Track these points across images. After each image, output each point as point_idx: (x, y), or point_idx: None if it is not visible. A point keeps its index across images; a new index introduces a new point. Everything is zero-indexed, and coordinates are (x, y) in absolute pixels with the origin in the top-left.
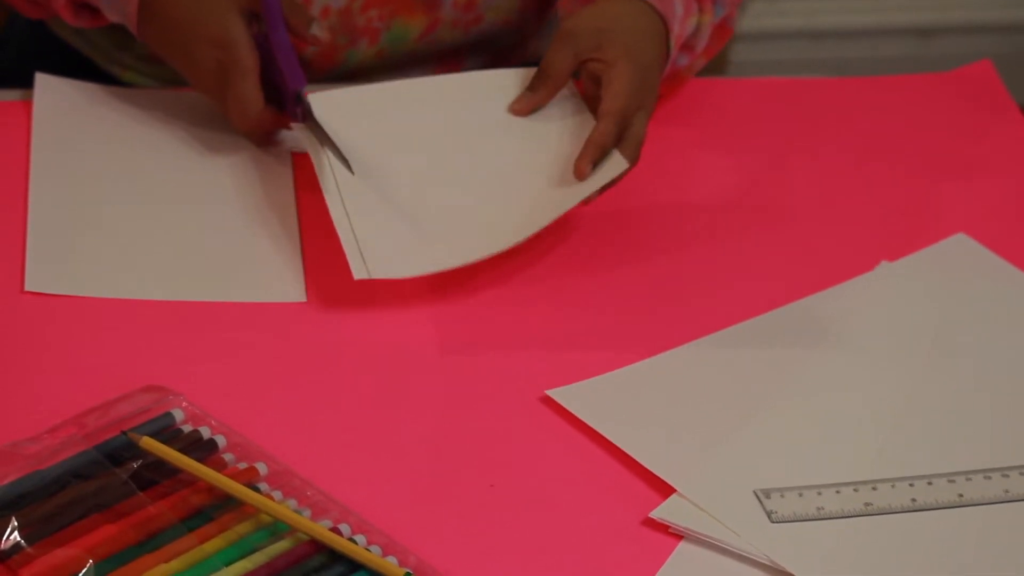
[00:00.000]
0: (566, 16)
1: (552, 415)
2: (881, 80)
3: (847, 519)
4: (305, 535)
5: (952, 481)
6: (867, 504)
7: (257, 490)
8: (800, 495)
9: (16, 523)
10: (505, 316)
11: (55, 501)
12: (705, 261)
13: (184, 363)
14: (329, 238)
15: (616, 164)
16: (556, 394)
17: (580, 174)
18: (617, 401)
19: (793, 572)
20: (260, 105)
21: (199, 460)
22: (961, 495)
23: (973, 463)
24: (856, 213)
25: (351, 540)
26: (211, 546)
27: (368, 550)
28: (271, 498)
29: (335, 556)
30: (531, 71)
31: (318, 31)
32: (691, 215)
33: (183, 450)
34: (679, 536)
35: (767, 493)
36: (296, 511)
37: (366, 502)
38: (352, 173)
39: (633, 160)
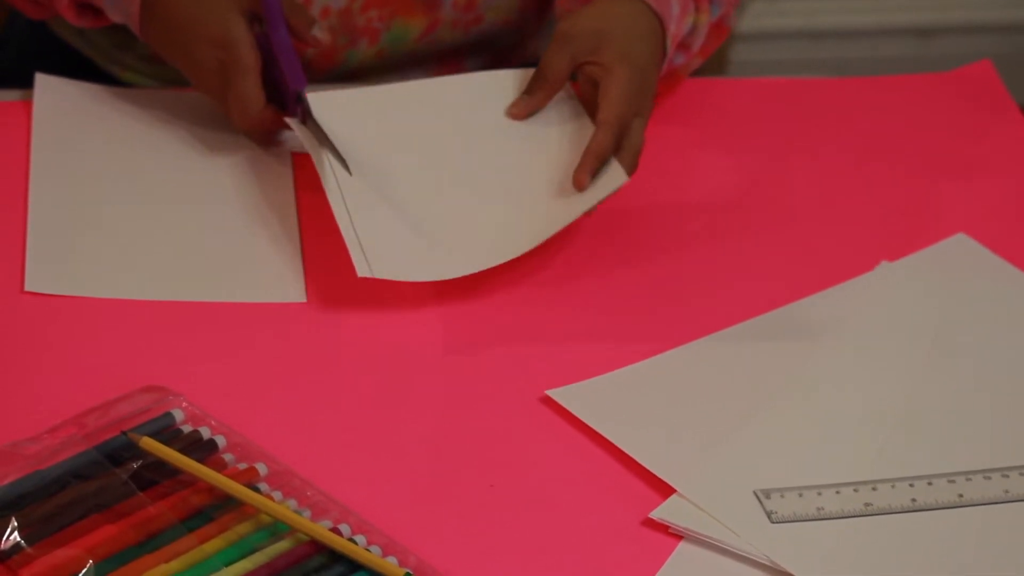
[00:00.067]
0: (563, 15)
1: (552, 415)
2: (881, 80)
3: (847, 519)
4: (305, 535)
5: (952, 481)
6: (867, 504)
7: (257, 490)
8: (800, 495)
9: (16, 523)
10: (505, 316)
11: (55, 501)
12: (705, 261)
13: (184, 363)
14: (329, 238)
15: (616, 177)
16: (556, 394)
17: (579, 185)
18: (617, 401)
19: (793, 572)
20: (261, 104)
21: (199, 460)
22: (961, 495)
23: (973, 463)
24: (856, 213)
25: (351, 540)
26: (211, 546)
27: (368, 550)
28: (271, 498)
29: (335, 556)
30: (529, 72)
31: (319, 33)
32: (691, 215)
33: (183, 450)
34: (679, 536)
35: (767, 493)
36: (296, 511)
37: (366, 502)
38: (350, 174)
39: (632, 169)
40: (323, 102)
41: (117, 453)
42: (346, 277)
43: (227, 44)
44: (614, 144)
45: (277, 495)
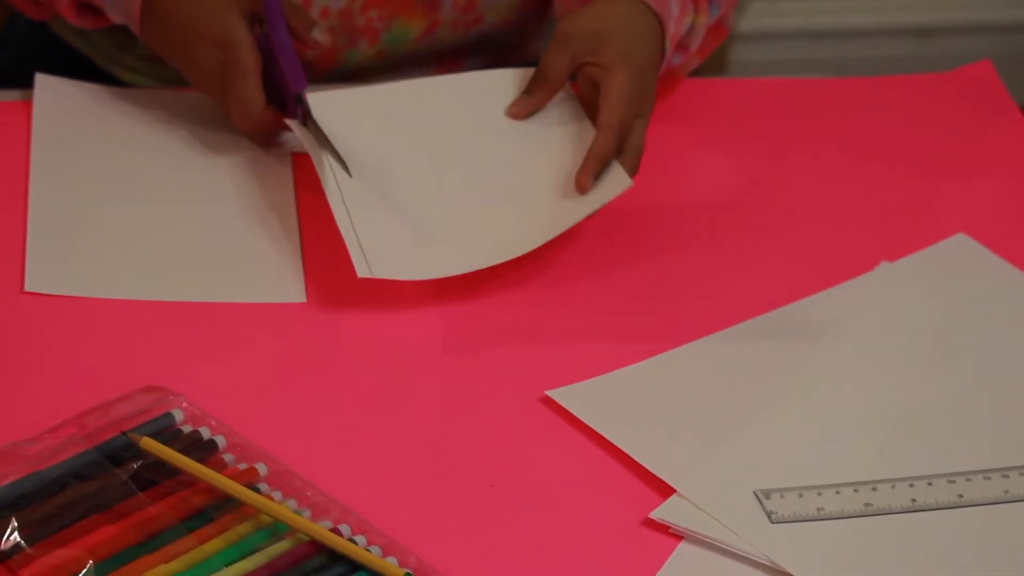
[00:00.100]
0: (562, 15)
1: (552, 415)
2: (881, 80)
3: (847, 519)
4: (305, 536)
5: (952, 481)
6: (867, 504)
7: (257, 491)
8: (800, 495)
9: (16, 523)
10: (505, 316)
11: (55, 502)
12: (705, 261)
13: (184, 363)
14: (329, 239)
15: (620, 181)
16: (556, 394)
17: (582, 188)
18: (617, 401)
19: (793, 572)
20: (261, 105)
21: (199, 460)
22: (961, 495)
23: (973, 463)
24: (856, 213)
25: (351, 540)
26: (211, 547)
27: (368, 550)
28: (271, 499)
29: (335, 557)
30: (529, 71)
31: (320, 36)
32: (691, 215)
33: (183, 451)
34: (679, 536)
35: (767, 493)
36: (296, 512)
37: (366, 502)
38: (350, 176)
39: (633, 171)
40: (323, 102)
41: (117, 453)
42: (346, 277)
43: (227, 45)
44: (616, 147)
45: (277, 495)
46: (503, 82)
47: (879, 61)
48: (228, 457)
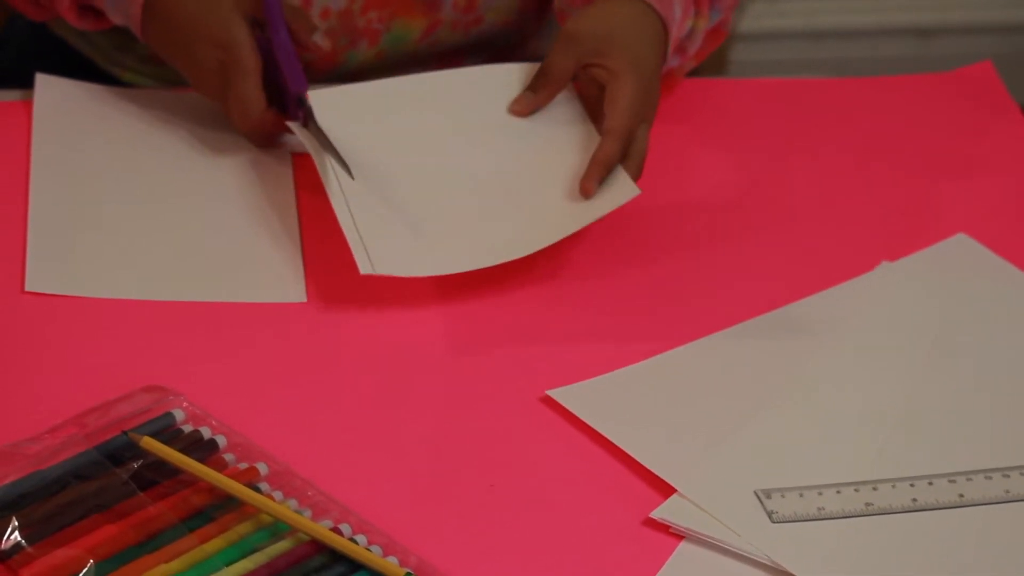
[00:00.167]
0: (562, 14)
1: (552, 415)
2: (881, 80)
3: (848, 519)
4: (306, 535)
5: (953, 481)
6: (868, 504)
7: (258, 490)
8: (801, 495)
9: (17, 523)
10: (505, 316)
11: (55, 501)
12: (705, 261)
13: (184, 363)
14: (329, 239)
15: (627, 189)
16: (557, 394)
17: (586, 193)
18: (618, 401)
19: (794, 572)
20: (262, 106)
21: (200, 460)
22: (962, 495)
23: (974, 463)
24: (856, 213)
25: (352, 540)
26: (212, 546)
27: (369, 550)
28: (272, 498)
29: (336, 556)
30: (531, 66)
31: (320, 40)
32: (691, 215)
33: (184, 450)
34: (680, 536)
35: (768, 493)
36: (297, 511)
37: (367, 502)
38: (352, 178)
39: (637, 175)
40: (325, 99)
41: (118, 453)
42: (346, 277)
43: (228, 46)
44: (621, 153)
45: (278, 495)
46: (506, 77)
47: (879, 61)
48: (229, 457)
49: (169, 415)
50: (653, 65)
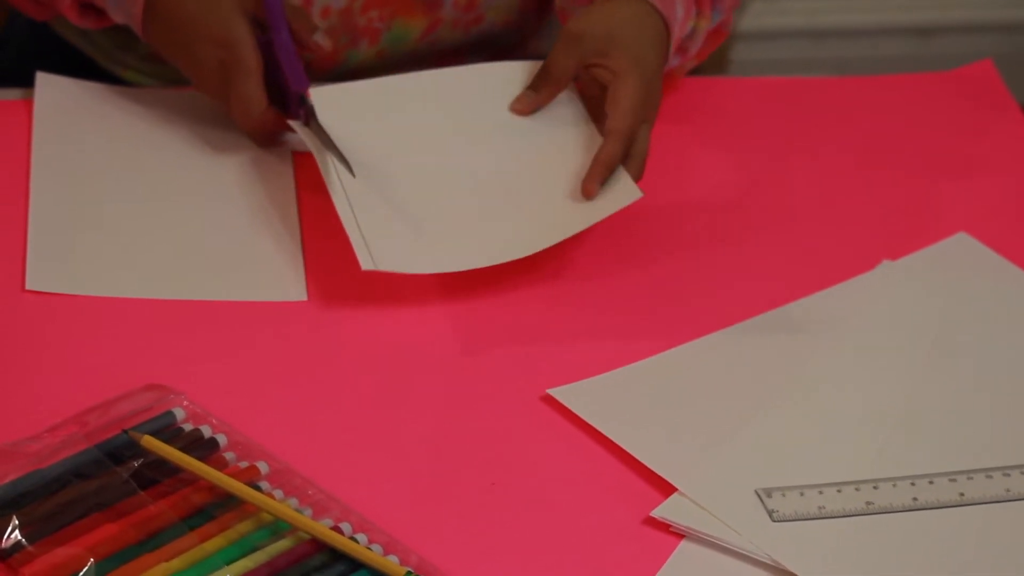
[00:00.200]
0: (563, 12)
1: (553, 414)
2: (882, 79)
3: (849, 518)
4: (306, 534)
5: (953, 480)
6: (868, 503)
7: (258, 489)
8: (801, 494)
9: (17, 522)
10: (506, 315)
11: (56, 500)
12: (706, 261)
13: (185, 362)
14: (330, 237)
15: (629, 192)
16: (557, 393)
17: (588, 194)
18: (618, 400)
19: (795, 571)
20: (263, 105)
21: (200, 459)
22: (962, 494)
23: (974, 462)
24: (857, 212)
25: (352, 539)
26: (212, 545)
27: (369, 549)
28: (272, 497)
29: (336, 555)
30: (533, 64)
31: (321, 40)
32: (691, 214)
33: (184, 449)
34: (680, 535)
35: (768, 492)
36: (297, 510)
37: (367, 501)
38: (354, 177)
39: (638, 176)
40: (327, 97)
41: (118, 452)
42: (347, 276)
43: (229, 45)
44: (623, 153)
45: (278, 493)
46: (507, 75)
47: (880, 60)
48: (229, 455)
49: (169, 414)
50: (655, 65)
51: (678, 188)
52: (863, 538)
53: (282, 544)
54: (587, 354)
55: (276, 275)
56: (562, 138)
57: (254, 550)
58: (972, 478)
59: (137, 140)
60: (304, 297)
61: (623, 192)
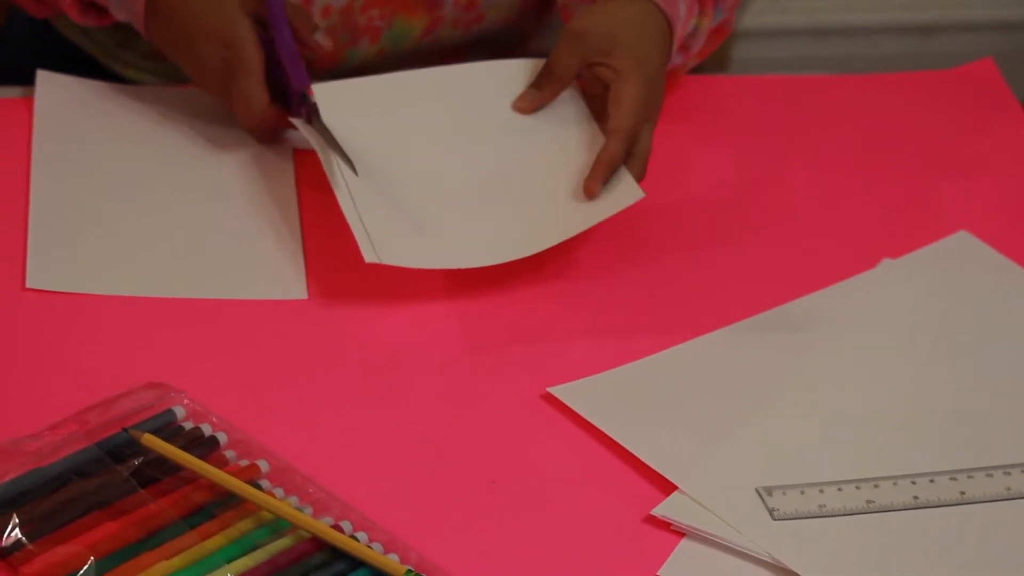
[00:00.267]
0: (566, 12)
1: (553, 412)
2: (883, 78)
3: (849, 517)
4: (306, 532)
5: (954, 479)
6: (869, 502)
7: (258, 487)
8: (802, 493)
9: (17, 520)
10: (506, 313)
11: (56, 498)
12: (706, 259)
13: (185, 360)
14: (331, 235)
15: (631, 192)
16: (557, 391)
17: (590, 194)
18: (618, 398)
19: (795, 569)
20: (265, 102)
21: (200, 457)
22: (963, 493)
23: (975, 461)
24: (858, 211)
25: (352, 537)
26: (212, 543)
27: (369, 547)
28: (272, 495)
29: (336, 553)
30: (536, 62)
31: (322, 40)
32: (692, 213)
33: (184, 447)
34: (681, 533)
35: (769, 490)
36: (297, 508)
37: (367, 499)
38: (356, 175)
39: (640, 175)
40: (329, 93)
41: (118, 450)
42: (347, 274)
43: (231, 43)
44: (625, 153)
45: (278, 492)
46: (510, 73)
47: (881, 59)
48: (229, 454)
49: (170, 412)
50: (658, 64)
51: (678, 186)
52: (864, 537)
53: (282, 542)
54: (587, 353)
55: (277, 273)
56: (564, 137)
57: (254, 548)
58: (973, 477)
59: (138, 138)
60: (304, 295)
61: (625, 192)
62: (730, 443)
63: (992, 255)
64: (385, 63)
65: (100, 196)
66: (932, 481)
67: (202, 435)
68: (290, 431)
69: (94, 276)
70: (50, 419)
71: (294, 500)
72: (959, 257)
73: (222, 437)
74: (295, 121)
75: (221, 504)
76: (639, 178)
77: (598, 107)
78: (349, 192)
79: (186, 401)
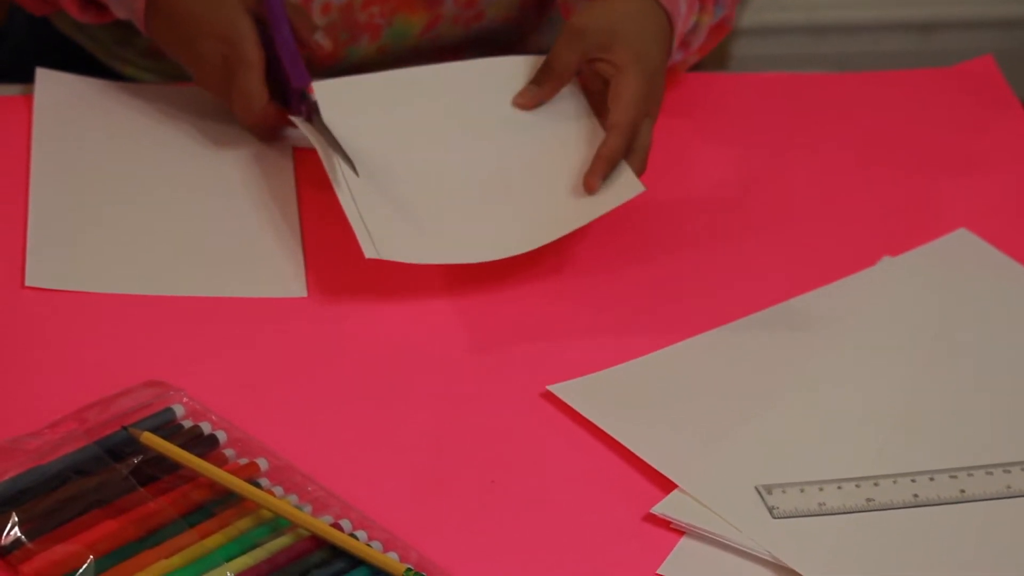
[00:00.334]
0: (566, 8)
1: (553, 411)
2: (882, 75)
3: (849, 515)
4: (306, 531)
5: (954, 477)
6: (869, 500)
7: (258, 486)
8: (802, 491)
9: (16, 519)
10: (506, 312)
11: (55, 497)
12: (706, 257)
13: (185, 358)
14: (330, 233)
15: (631, 186)
16: (557, 389)
17: (590, 188)
18: (618, 397)
19: (795, 568)
20: (264, 100)
21: (200, 455)
22: (963, 491)
23: (975, 459)
24: (857, 209)
25: (352, 536)
26: (212, 542)
27: (369, 546)
28: (272, 494)
29: (336, 552)
30: (536, 58)
31: (322, 39)
32: (692, 211)
33: (184, 445)
34: (681, 532)
35: (769, 489)
36: (297, 507)
37: (367, 498)
38: (357, 175)
39: (640, 170)
40: (329, 90)
41: (118, 448)
42: (347, 272)
43: (232, 40)
44: (625, 148)
45: (278, 490)
46: (510, 70)
47: (880, 56)
48: (229, 452)
49: (169, 410)
50: (658, 60)
51: (679, 184)
52: (863, 535)
53: (282, 541)
54: (587, 351)
55: (276, 271)
56: (564, 132)
57: (254, 547)
58: (973, 475)
59: (137, 136)
60: (304, 293)
61: (625, 186)
62: (730, 441)
63: (992, 253)
64: (385, 61)
65: (99, 194)
66: (932, 479)
67: (201, 433)
68: (289, 429)
69: (93, 274)
70: (49, 417)
71: (293, 498)
72: (959, 255)
73: (221, 435)
74: (295, 119)
75: (220, 502)
76: (639, 173)
77: (598, 103)
78: (349, 190)
79: (185, 399)
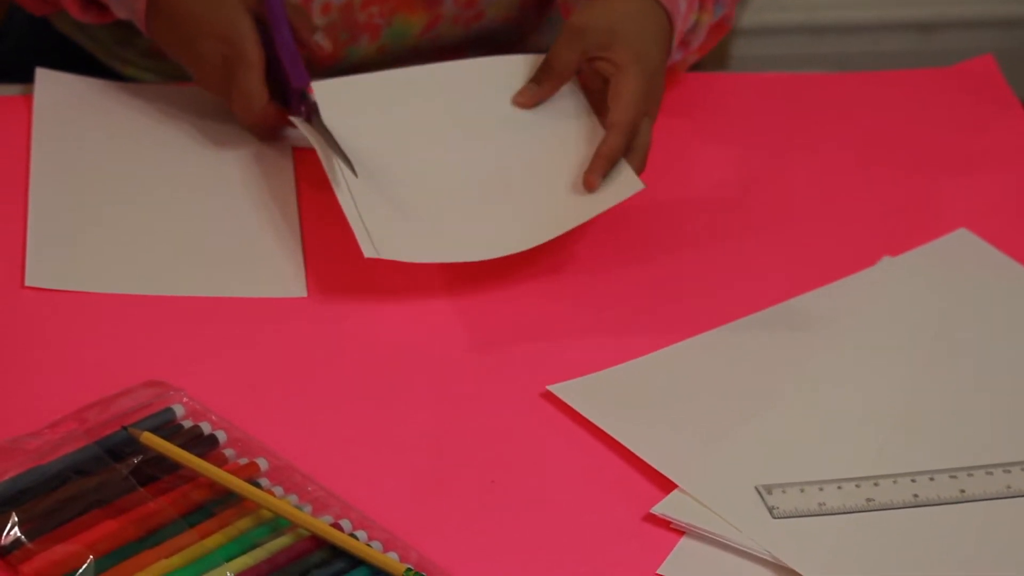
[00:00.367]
0: (566, 7)
1: (553, 411)
2: (882, 75)
3: (849, 515)
4: (306, 531)
5: (954, 477)
6: (869, 500)
7: (258, 486)
8: (802, 491)
9: (16, 519)
10: (506, 311)
11: (55, 497)
12: (706, 257)
13: (185, 358)
14: (330, 233)
15: (630, 184)
16: (557, 389)
17: (589, 187)
18: (618, 396)
19: (795, 568)
20: (264, 99)
21: (200, 455)
22: (963, 491)
23: (975, 459)
24: (857, 209)
25: (352, 536)
26: (212, 542)
27: (369, 546)
28: (272, 494)
29: (336, 552)
30: (536, 58)
31: (321, 40)
32: (692, 211)
33: (184, 445)
34: (681, 532)
35: (769, 489)
36: (297, 507)
37: (367, 498)
38: (356, 176)
39: (639, 169)
40: (329, 90)
41: (118, 448)
42: (347, 272)
43: (232, 40)
44: (624, 147)
45: (278, 490)
46: (510, 69)
47: (880, 56)
48: (229, 452)
49: (169, 410)
50: (658, 59)
51: (678, 184)
52: (863, 535)
53: (282, 541)
54: (587, 351)
55: (276, 271)
56: (564, 131)
57: (254, 547)
58: (973, 475)
59: (137, 136)
60: (304, 293)
61: (625, 184)
62: (730, 441)
63: (992, 253)
64: (385, 60)
65: (99, 194)
66: (932, 479)
67: (201, 433)
68: (289, 429)
69: (93, 274)
70: (49, 417)
71: (293, 498)
72: (959, 255)
73: (221, 435)
74: (295, 119)
75: (220, 502)
76: (639, 172)
77: (598, 102)
78: (349, 190)
79: (185, 399)
